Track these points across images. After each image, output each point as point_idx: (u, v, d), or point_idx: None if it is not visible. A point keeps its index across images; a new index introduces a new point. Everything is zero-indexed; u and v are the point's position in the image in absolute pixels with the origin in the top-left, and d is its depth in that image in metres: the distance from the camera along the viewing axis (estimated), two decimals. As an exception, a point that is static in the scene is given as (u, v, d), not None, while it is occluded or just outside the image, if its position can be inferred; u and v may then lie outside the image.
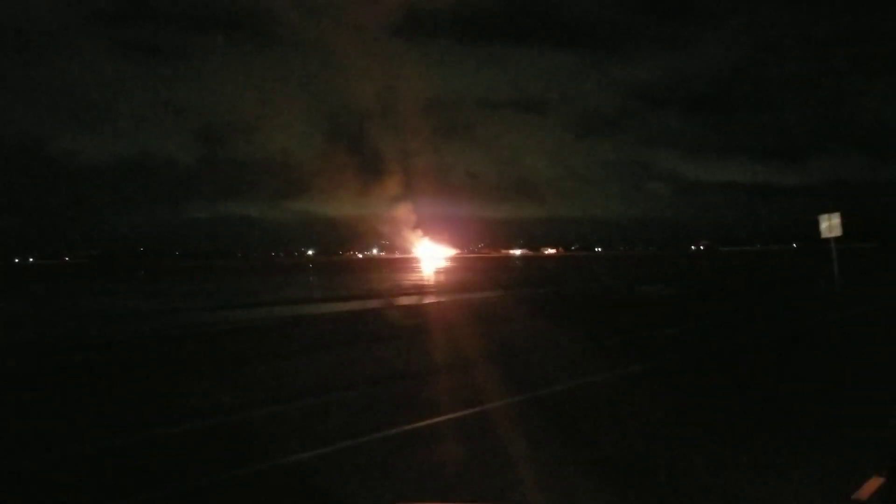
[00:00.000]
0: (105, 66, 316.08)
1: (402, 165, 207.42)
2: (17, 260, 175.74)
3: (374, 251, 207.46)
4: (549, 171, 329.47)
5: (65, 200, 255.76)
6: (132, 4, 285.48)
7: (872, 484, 3.46)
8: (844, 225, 21.41)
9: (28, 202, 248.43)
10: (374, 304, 24.15)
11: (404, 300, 26.37)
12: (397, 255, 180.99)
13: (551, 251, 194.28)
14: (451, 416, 7.05)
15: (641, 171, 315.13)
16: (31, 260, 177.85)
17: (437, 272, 58.89)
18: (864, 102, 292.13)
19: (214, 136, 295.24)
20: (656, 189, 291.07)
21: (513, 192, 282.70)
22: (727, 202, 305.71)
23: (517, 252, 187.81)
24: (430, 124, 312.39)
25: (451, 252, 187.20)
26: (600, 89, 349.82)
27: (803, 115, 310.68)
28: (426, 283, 41.45)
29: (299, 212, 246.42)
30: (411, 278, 47.27)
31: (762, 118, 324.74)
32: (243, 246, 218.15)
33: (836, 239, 21.84)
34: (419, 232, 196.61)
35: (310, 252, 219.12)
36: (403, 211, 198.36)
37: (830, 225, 21.59)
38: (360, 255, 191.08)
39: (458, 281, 41.54)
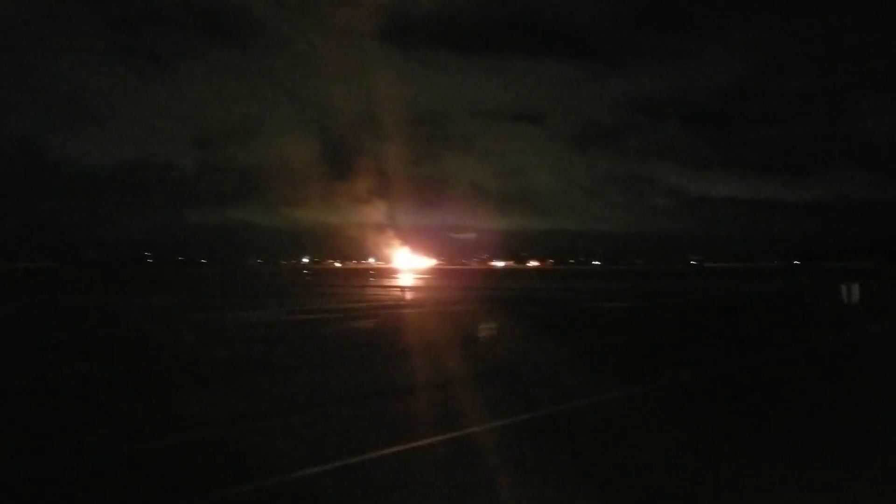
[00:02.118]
0: (105, 71, 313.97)
1: (400, 175, 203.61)
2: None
3: (372, 260, 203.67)
4: (549, 182, 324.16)
5: (64, 205, 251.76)
6: (132, 10, 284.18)
7: None
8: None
9: (28, 206, 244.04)
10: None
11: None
12: (374, 265, 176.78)
13: (535, 263, 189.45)
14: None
15: (644, 184, 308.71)
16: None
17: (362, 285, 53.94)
18: (868, 119, 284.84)
19: (212, 142, 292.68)
20: (659, 203, 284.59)
21: (513, 204, 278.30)
22: (730, 217, 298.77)
23: (500, 264, 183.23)
24: (428, 134, 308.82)
25: (430, 263, 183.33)
26: (600, 101, 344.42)
27: (807, 131, 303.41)
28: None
29: (300, 219, 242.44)
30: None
31: (766, 133, 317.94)
32: (243, 253, 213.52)
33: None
34: (401, 242, 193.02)
35: (304, 260, 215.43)
36: (383, 220, 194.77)
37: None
38: (339, 264, 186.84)
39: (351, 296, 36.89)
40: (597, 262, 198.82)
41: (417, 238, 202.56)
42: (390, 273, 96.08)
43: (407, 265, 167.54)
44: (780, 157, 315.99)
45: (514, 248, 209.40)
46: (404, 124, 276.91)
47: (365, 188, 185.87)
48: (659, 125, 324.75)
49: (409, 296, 35.88)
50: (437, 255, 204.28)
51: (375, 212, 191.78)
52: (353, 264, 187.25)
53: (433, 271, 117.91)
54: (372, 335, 17.37)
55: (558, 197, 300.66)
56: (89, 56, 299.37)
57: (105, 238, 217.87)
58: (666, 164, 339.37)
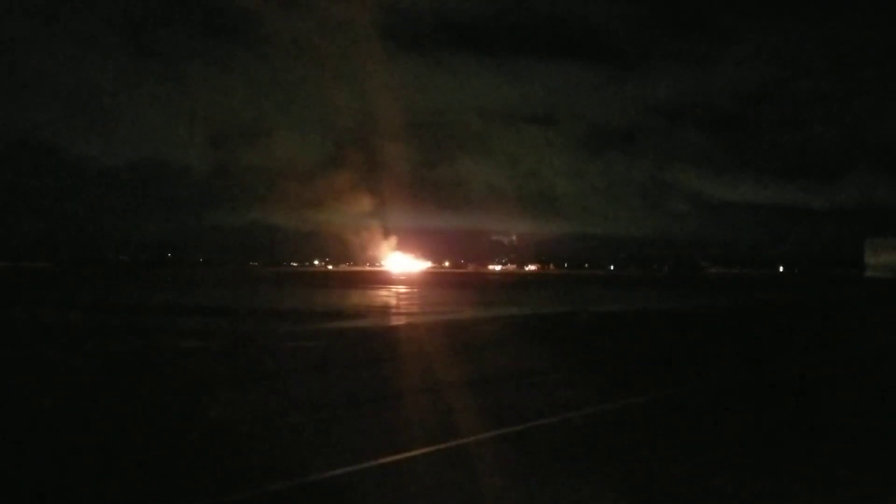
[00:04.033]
0: (119, 71, 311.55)
1: (413, 177, 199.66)
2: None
3: (385, 264, 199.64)
4: (565, 185, 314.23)
5: (79, 205, 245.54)
6: (146, 11, 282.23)
7: None
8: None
9: (42, 206, 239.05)
10: None
11: None
12: (369, 268, 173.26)
13: (533, 268, 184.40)
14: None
15: (662, 188, 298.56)
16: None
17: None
18: (892, 123, 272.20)
19: (226, 143, 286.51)
20: (677, 208, 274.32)
21: (528, 207, 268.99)
22: (751, 223, 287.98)
23: (497, 268, 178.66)
24: (442, 136, 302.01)
25: (423, 266, 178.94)
26: (617, 104, 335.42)
27: (829, 136, 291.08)
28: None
29: (315, 221, 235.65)
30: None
31: (786, 138, 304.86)
32: (257, 255, 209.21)
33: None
34: (393, 244, 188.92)
35: (316, 262, 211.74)
36: (394, 222, 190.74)
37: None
38: (331, 267, 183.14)
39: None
40: (612, 267, 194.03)
41: (426, 241, 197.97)
42: (378, 278, 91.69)
43: (403, 268, 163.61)
44: (802, 161, 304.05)
45: (533, 252, 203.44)
46: (417, 126, 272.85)
47: (378, 191, 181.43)
48: (677, 129, 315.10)
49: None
50: (444, 258, 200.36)
51: (386, 214, 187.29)
52: (351, 266, 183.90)
53: (410, 275, 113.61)
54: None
55: (574, 200, 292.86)
56: (104, 56, 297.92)
57: (121, 238, 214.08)
58: (685, 169, 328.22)
